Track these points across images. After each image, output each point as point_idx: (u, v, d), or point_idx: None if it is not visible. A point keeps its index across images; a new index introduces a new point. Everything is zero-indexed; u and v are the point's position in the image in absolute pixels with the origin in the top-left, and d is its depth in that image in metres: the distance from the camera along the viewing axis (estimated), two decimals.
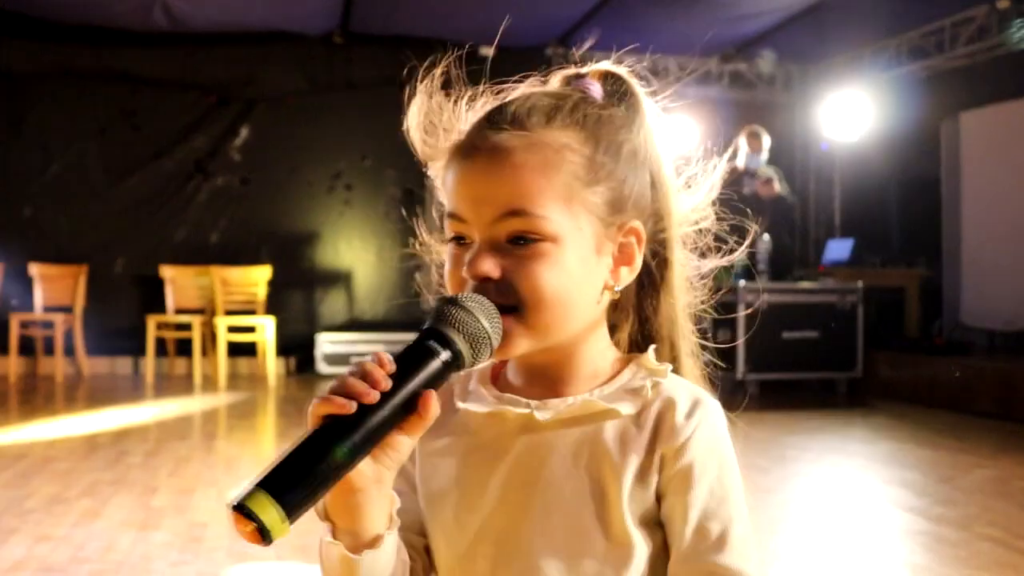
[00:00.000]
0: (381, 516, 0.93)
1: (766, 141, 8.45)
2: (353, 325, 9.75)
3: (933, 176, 9.41)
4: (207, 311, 9.05)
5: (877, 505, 4.65)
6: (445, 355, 0.90)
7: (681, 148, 1.10)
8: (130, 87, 9.32)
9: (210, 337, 9.03)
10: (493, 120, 1.00)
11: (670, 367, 1.03)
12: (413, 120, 1.12)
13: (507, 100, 1.03)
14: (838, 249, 9.49)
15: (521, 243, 0.95)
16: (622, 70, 1.07)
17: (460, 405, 1.04)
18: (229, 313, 8.93)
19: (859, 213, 10.25)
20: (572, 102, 1.01)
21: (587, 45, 1.20)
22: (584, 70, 1.07)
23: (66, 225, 9.29)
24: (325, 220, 9.87)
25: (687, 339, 1.10)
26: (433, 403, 0.88)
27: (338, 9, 8.77)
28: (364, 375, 0.86)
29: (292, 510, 0.81)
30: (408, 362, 0.89)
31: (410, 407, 0.88)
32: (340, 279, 9.94)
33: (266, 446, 6.32)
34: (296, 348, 9.58)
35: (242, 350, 9.17)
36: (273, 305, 9.19)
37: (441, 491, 1.02)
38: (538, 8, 8.38)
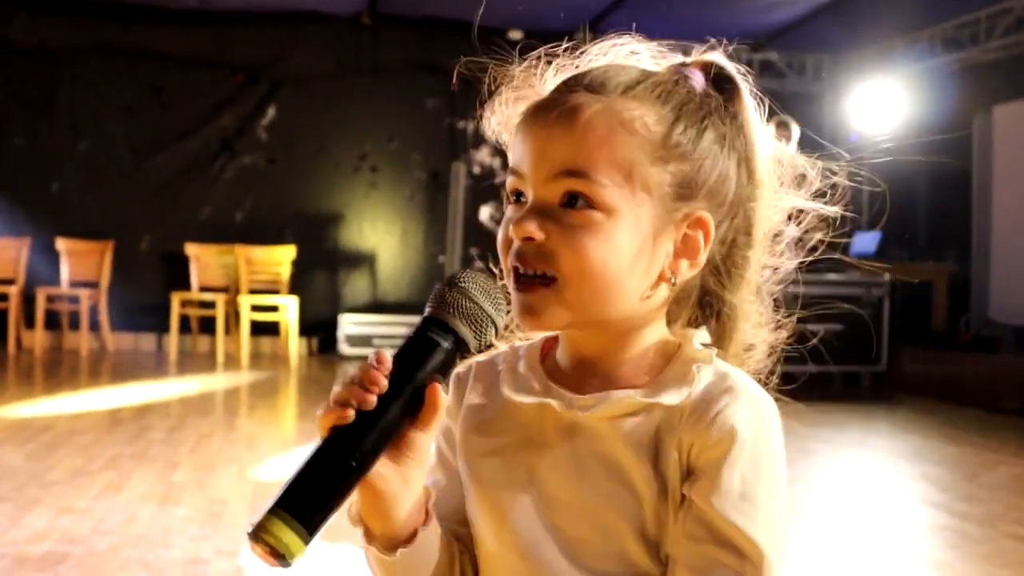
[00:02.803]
0: (414, 514, 0.91)
1: (795, 132, 8.37)
2: (376, 307, 9.76)
3: (965, 170, 9.29)
4: (231, 290, 9.09)
5: (900, 500, 4.62)
6: (447, 343, 0.88)
7: (778, 147, 1.06)
8: (159, 65, 9.35)
9: (233, 315, 9.08)
10: (570, 82, 0.97)
11: (714, 351, 0.97)
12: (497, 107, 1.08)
13: (588, 68, 0.99)
14: (865, 242, 9.40)
15: (572, 207, 0.92)
16: (723, 58, 1.03)
17: (507, 394, 0.98)
18: (253, 292, 8.97)
19: (888, 206, 10.13)
20: (657, 78, 0.97)
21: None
22: (688, 60, 1.03)
23: (93, 201, 9.34)
24: (350, 201, 9.88)
25: (762, 346, 1.06)
26: (440, 395, 0.86)
27: None
28: (362, 379, 0.84)
29: (310, 529, 0.80)
30: (409, 356, 0.87)
31: (418, 401, 0.86)
32: (364, 261, 9.95)
33: (287, 425, 6.35)
34: (319, 328, 9.61)
35: (265, 329, 9.21)
36: (296, 285, 9.22)
37: (489, 484, 0.98)
38: None
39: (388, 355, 0.86)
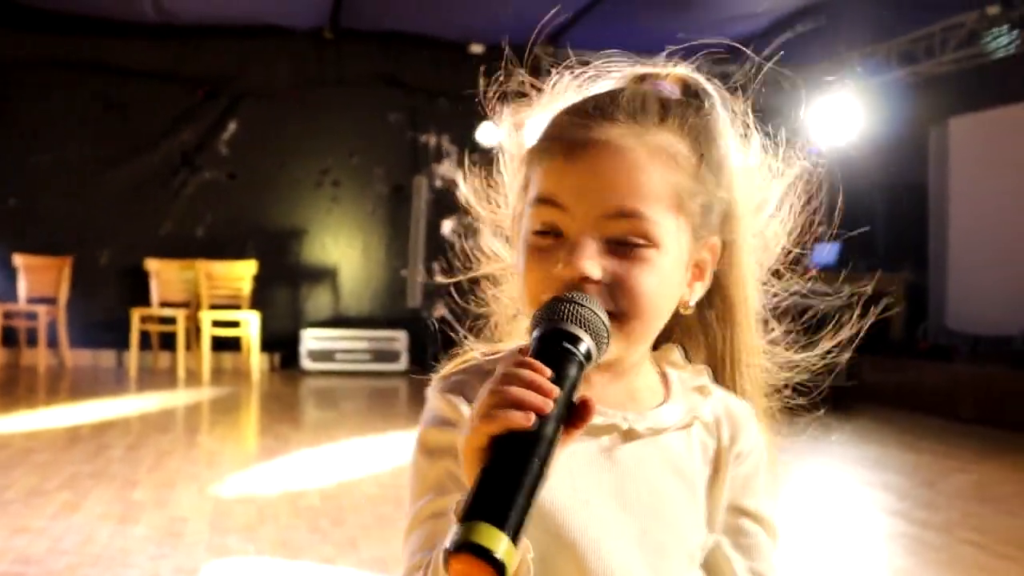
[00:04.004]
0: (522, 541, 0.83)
1: (754, 143, 8.45)
2: (338, 322, 9.71)
3: (921, 181, 9.44)
4: (192, 305, 9.01)
5: (859, 508, 4.66)
6: (580, 356, 0.84)
7: (752, 162, 1.08)
8: (118, 79, 9.27)
9: (194, 331, 8.99)
10: (603, 109, 0.95)
11: (705, 368, 1.05)
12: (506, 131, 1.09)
13: (612, 91, 0.99)
14: (825, 253, 9.51)
15: (627, 244, 0.92)
16: (696, 73, 1.05)
17: None
18: (214, 307, 8.89)
19: (847, 217, 10.26)
20: (679, 105, 0.99)
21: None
22: (662, 71, 1.05)
23: (51, 216, 9.23)
24: (312, 216, 9.83)
25: (754, 366, 1.09)
26: (593, 408, 0.82)
27: (328, 4, 8.73)
28: (530, 384, 0.79)
29: (516, 535, 0.73)
30: (552, 367, 0.81)
31: (567, 416, 0.81)
32: (326, 275, 9.90)
33: (248, 441, 6.29)
34: (280, 344, 9.54)
35: (226, 345, 9.13)
36: (258, 300, 9.15)
37: (557, 504, 0.94)
38: (529, 7, 8.35)
39: (540, 363, 0.81)
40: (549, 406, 0.78)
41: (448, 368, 1.04)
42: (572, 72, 1.07)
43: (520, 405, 0.77)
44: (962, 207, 8.96)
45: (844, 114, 9.45)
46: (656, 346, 1.05)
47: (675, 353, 1.05)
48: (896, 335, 9.21)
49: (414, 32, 9.19)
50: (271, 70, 9.48)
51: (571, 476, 0.95)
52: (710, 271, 1.01)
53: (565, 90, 1.06)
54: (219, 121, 9.59)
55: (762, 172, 1.09)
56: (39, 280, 8.88)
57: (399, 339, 9.37)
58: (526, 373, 0.79)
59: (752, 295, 1.08)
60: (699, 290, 1.01)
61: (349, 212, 9.90)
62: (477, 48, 8.88)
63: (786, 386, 1.16)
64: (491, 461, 0.77)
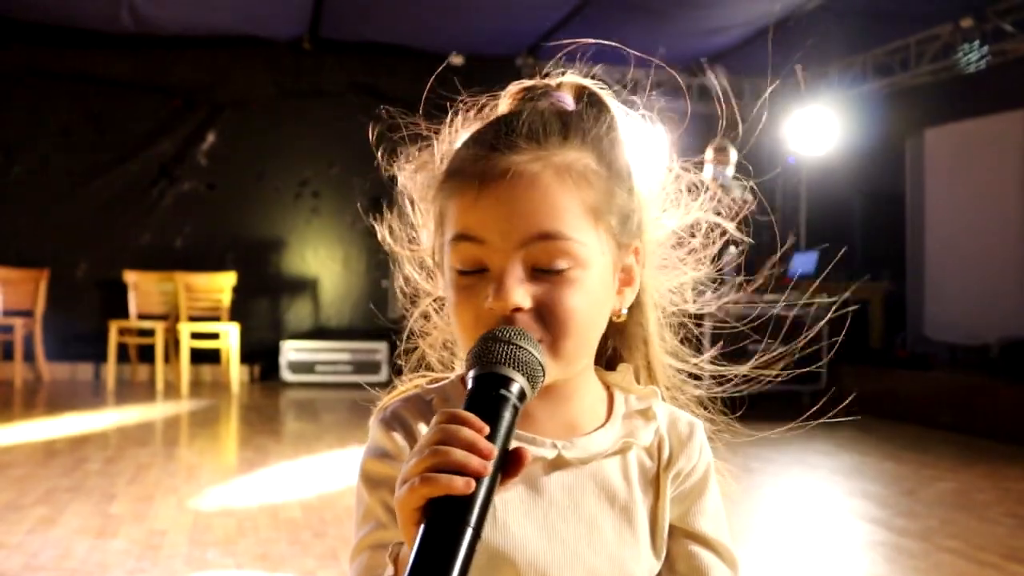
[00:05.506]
0: None
1: (733, 155, 8.50)
2: (318, 333, 9.68)
3: (898, 191, 9.52)
4: (171, 317, 8.95)
5: (839, 517, 4.68)
6: (514, 400, 0.83)
7: (654, 162, 1.07)
8: (95, 89, 9.22)
9: (173, 343, 8.94)
10: (505, 138, 0.93)
11: (656, 389, 1.04)
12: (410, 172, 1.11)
13: (510, 116, 0.97)
14: (804, 262, 9.56)
15: (551, 269, 0.90)
16: (588, 80, 1.04)
17: None
18: (193, 319, 8.84)
19: (825, 226, 10.34)
20: (579, 117, 0.98)
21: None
22: (552, 82, 1.04)
23: (28, 228, 9.16)
24: (292, 227, 9.80)
25: (663, 364, 1.09)
26: (528, 457, 0.80)
27: (307, 15, 8.73)
28: (470, 446, 0.76)
29: None
30: (485, 416, 0.80)
31: (502, 466, 0.80)
32: (306, 287, 9.87)
33: (228, 454, 6.25)
34: (260, 355, 9.50)
35: (206, 357, 9.08)
36: (237, 312, 9.11)
37: (483, 538, 0.92)
38: (508, 18, 8.39)
39: (475, 416, 0.79)
40: (488, 468, 0.76)
41: (388, 398, 1.05)
42: (466, 104, 1.07)
43: (461, 470, 0.75)
44: (938, 217, 9.04)
45: (821, 125, 9.54)
46: (613, 366, 1.05)
47: (627, 375, 1.04)
48: (875, 344, 9.27)
49: (393, 43, 9.19)
50: (250, 80, 9.46)
51: (494, 509, 0.92)
52: (638, 275, 1.00)
53: (464, 124, 1.05)
54: (197, 132, 9.56)
55: (663, 171, 1.08)
56: (15, 292, 8.80)
57: (380, 350, 9.34)
58: (466, 433, 0.77)
59: (660, 297, 1.08)
60: (629, 295, 1.00)
61: (329, 223, 9.87)
62: (457, 59, 8.90)
63: (731, 398, 1.15)
64: (428, 527, 0.75)
